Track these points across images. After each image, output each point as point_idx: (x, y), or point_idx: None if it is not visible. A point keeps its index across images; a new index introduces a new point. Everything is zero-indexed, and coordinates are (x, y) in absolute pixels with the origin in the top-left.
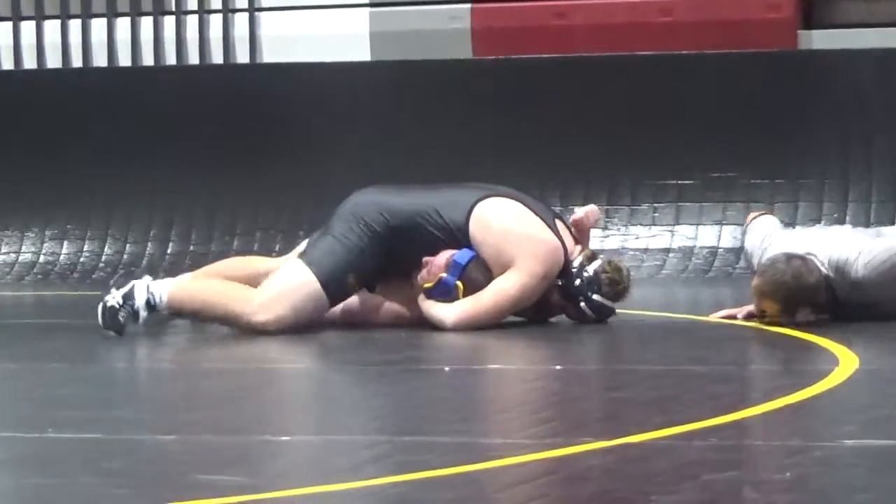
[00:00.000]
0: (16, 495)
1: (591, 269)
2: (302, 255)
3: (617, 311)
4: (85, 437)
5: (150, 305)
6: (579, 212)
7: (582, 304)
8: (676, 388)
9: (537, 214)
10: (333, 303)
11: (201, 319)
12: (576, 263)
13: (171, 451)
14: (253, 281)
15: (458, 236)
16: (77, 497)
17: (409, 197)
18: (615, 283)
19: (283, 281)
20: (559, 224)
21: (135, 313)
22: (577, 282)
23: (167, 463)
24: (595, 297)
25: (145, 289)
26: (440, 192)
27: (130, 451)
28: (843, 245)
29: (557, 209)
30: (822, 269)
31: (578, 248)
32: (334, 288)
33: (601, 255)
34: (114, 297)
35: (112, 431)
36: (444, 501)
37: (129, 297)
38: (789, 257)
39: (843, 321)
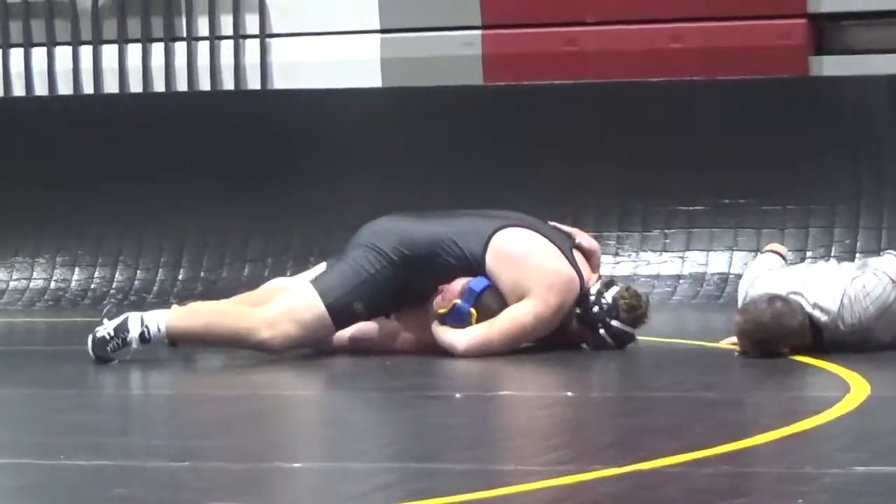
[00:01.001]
0: None
1: (608, 296)
2: (313, 280)
3: (637, 337)
4: (97, 463)
5: (145, 339)
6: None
7: (601, 330)
8: (688, 415)
9: (554, 243)
10: (339, 327)
11: (204, 343)
12: (593, 290)
13: (183, 478)
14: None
15: (475, 266)
16: None
17: (426, 225)
18: (634, 309)
19: (290, 301)
20: (577, 253)
21: (126, 345)
22: (596, 309)
23: (179, 490)
24: (614, 323)
25: (139, 322)
26: (457, 221)
27: (142, 478)
28: (829, 285)
29: None
30: (809, 310)
31: (595, 275)
32: (340, 313)
33: (619, 282)
34: (105, 329)
35: (124, 458)
36: None
37: (121, 329)
38: (772, 298)
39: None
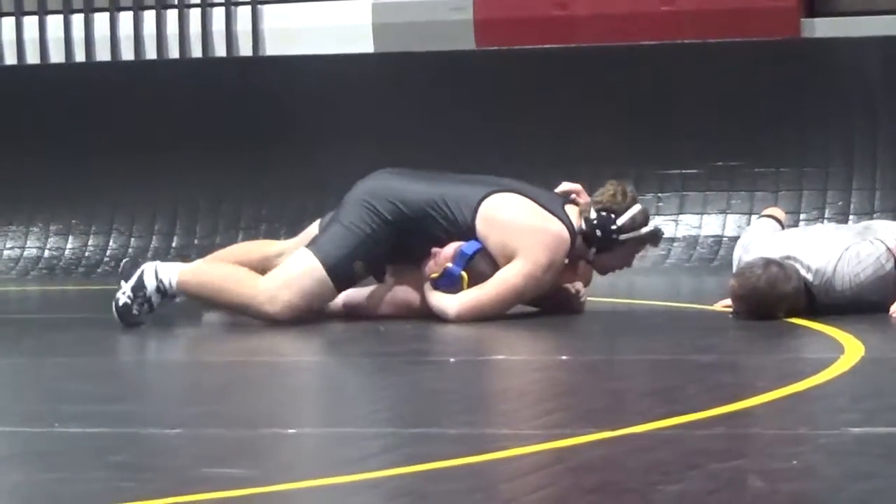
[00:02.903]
0: (22, 490)
1: (592, 213)
2: (310, 244)
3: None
4: (90, 431)
5: (161, 291)
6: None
7: (621, 237)
8: (681, 378)
9: (543, 205)
10: (340, 289)
11: (212, 307)
12: (584, 225)
13: (177, 445)
14: (264, 264)
15: (466, 231)
16: (83, 491)
17: (419, 185)
18: (614, 195)
19: (290, 270)
20: (570, 208)
21: (148, 301)
22: (598, 232)
23: (173, 456)
24: (619, 220)
25: (153, 275)
26: (449, 185)
27: (136, 445)
28: (824, 250)
29: None
30: (803, 273)
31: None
32: (341, 275)
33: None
34: (124, 293)
35: (118, 425)
36: (450, 493)
37: (139, 287)
38: (767, 263)
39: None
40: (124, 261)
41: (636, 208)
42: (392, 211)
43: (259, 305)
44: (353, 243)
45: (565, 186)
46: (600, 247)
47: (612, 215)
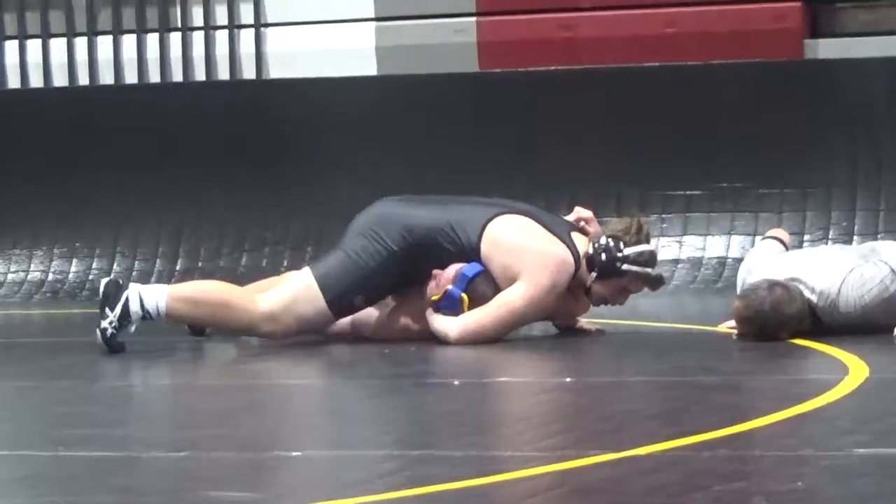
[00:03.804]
0: None
1: (603, 240)
2: (313, 266)
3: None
4: (95, 454)
5: (148, 319)
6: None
7: (624, 266)
8: (686, 399)
9: (547, 228)
10: (338, 318)
11: (203, 325)
12: (591, 250)
13: (182, 468)
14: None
15: (470, 254)
16: None
17: (424, 211)
18: (628, 228)
19: (290, 292)
20: (576, 235)
21: (130, 325)
22: (603, 256)
23: (178, 480)
24: (627, 251)
25: (138, 302)
26: (454, 208)
27: (141, 469)
28: (829, 272)
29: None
30: (808, 295)
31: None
32: (340, 306)
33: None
34: (111, 323)
35: (122, 449)
36: None
37: (124, 316)
38: (772, 284)
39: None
40: (106, 280)
41: (647, 246)
42: (398, 241)
43: (257, 327)
44: (357, 277)
45: (578, 213)
46: (600, 272)
47: (621, 244)
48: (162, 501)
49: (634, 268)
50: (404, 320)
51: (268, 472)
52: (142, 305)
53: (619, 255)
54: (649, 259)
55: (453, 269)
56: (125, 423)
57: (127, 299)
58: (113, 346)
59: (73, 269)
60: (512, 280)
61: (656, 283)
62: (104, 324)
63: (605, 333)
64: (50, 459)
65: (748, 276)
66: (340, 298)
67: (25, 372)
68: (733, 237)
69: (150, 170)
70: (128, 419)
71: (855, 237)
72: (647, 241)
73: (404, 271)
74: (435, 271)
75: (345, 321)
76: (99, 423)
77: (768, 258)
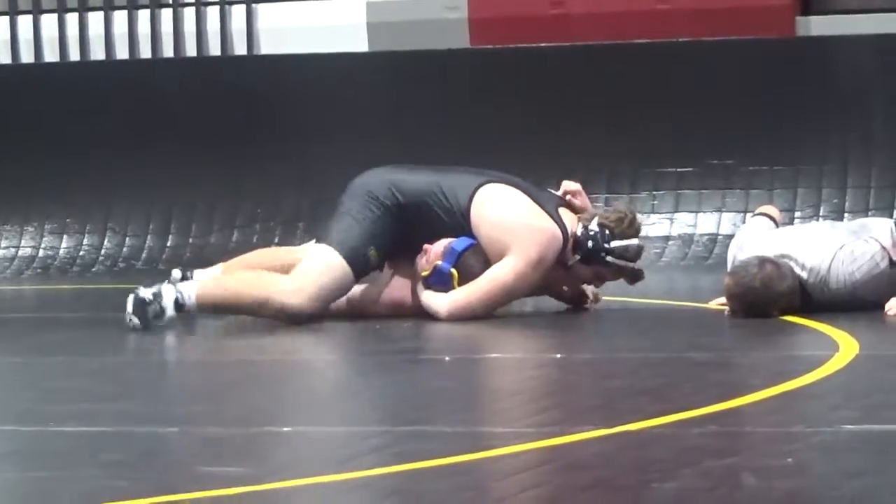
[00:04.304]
0: (18, 489)
1: (594, 224)
2: (321, 239)
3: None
4: (86, 430)
5: (179, 304)
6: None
7: (608, 258)
8: (676, 376)
9: (536, 202)
10: (358, 277)
11: (232, 313)
12: (579, 231)
13: (172, 444)
14: (280, 272)
15: (461, 219)
16: (79, 490)
17: (418, 176)
18: (621, 220)
19: (311, 264)
20: (564, 211)
21: (162, 311)
22: (590, 243)
23: (168, 455)
24: (615, 243)
25: (173, 289)
26: (448, 175)
27: (131, 444)
28: (819, 249)
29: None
30: (798, 272)
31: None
32: (358, 264)
33: (598, 211)
34: (146, 292)
35: (113, 424)
36: (443, 491)
37: (158, 295)
38: (763, 261)
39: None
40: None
41: (634, 241)
42: (390, 198)
43: (283, 300)
44: (364, 231)
45: (566, 186)
46: (584, 258)
47: (608, 233)
48: (153, 476)
49: (619, 262)
50: (396, 295)
51: (259, 448)
52: (176, 289)
53: (607, 246)
54: (635, 255)
55: (442, 244)
56: (116, 399)
57: (161, 287)
58: (138, 310)
59: (63, 245)
60: (500, 252)
61: (635, 277)
62: (138, 290)
63: (600, 300)
64: (39, 434)
65: (739, 252)
66: (355, 254)
67: (16, 347)
68: (724, 214)
69: (141, 146)
70: (119, 394)
71: (846, 214)
72: (637, 235)
73: (402, 231)
74: (425, 246)
75: (340, 301)
76: (89, 398)
77: (759, 235)
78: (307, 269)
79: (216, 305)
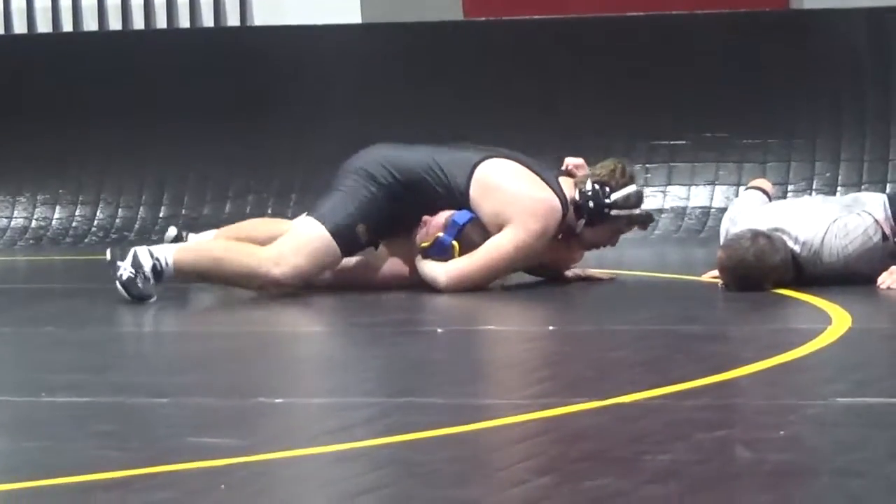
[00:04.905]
0: (8, 459)
1: (588, 184)
2: (311, 211)
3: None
4: (77, 400)
5: (157, 272)
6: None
7: (612, 212)
8: (669, 348)
9: (536, 173)
10: (345, 253)
11: (211, 281)
12: (577, 196)
13: (163, 414)
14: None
15: (459, 197)
16: (69, 460)
17: (414, 153)
18: (612, 171)
19: (295, 235)
20: (564, 179)
21: (146, 279)
22: (591, 203)
23: (159, 425)
24: (615, 195)
25: (148, 255)
26: (444, 151)
27: (122, 414)
28: (812, 222)
29: None
30: (791, 245)
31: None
32: (345, 239)
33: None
34: (126, 270)
35: (104, 394)
36: (437, 462)
37: (136, 265)
38: (755, 235)
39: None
40: (109, 250)
41: (632, 188)
42: (386, 176)
43: (265, 270)
44: (354, 207)
45: (570, 161)
46: (589, 219)
47: (607, 189)
48: (144, 447)
49: (622, 212)
50: (391, 267)
51: (250, 419)
52: (151, 255)
53: (607, 200)
54: (636, 200)
55: (443, 215)
56: (108, 369)
57: (135, 252)
58: (132, 289)
59: (56, 215)
60: (501, 226)
61: (646, 221)
62: (119, 272)
63: (615, 280)
64: (31, 405)
65: (732, 226)
66: (342, 229)
67: (7, 318)
68: (717, 187)
69: (134, 117)
70: (111, 365)
71: (839, 188)
72: (633, 181)
73: (397, 209)
74: (425, 218)
75: (326, 274)
76: (82, 369)
77: (752, 208)
78: (289, 239)
79: (194, 273)
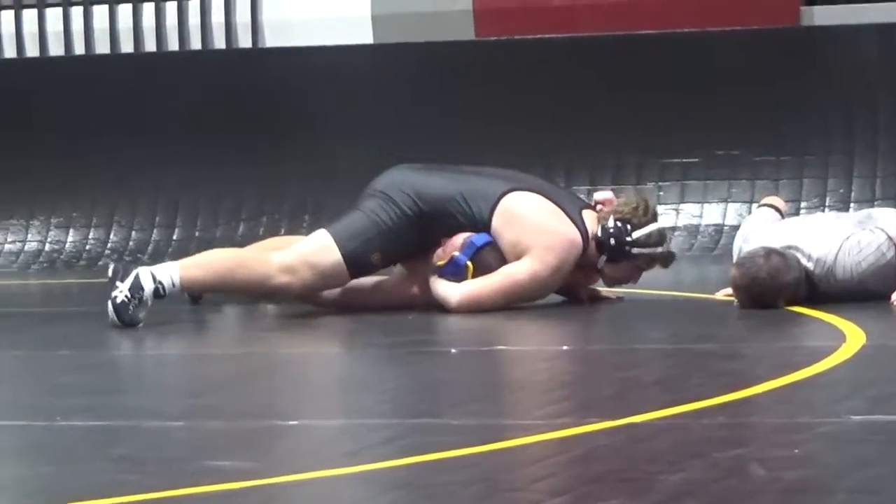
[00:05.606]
0: (25, 483)
1: (611, 221)
2: (328, 226)
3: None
4: (93, 424)
5: (159, 294)
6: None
7: (634, 249)
8: (684, 367)
9: (560, 206)
10: (354, 276)
11: (219, 291)
12: (600, 233)
13: (179, 437)
14: None
15: (482, 227)
16: (86, 484)
17: (438, 180)
18: (635, 209)
19: (307, 247)
20: (587, 213)
21: (143, 303)
22: (612, 241)
23: (175, 449)
24: (635, 233)
25: (150, 278)
26: (468, 179)
27: (138, 438)
28: (825, 239)
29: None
30: (805, 262)
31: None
32: (358, 266)
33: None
34: (122, 292)
35: (120, 418)
36: (452, 483)
37: (136, 288)
38: (769, 252)
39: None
40: (112, 265)
41: (654, 226)
42: (410, 205)
43: (272, 279)
44: (373, 234)
45: (600, 195)
46: (610, 256)
47: (629, 226)
48: (159, 471)
49: (644, 250)
50: (403, 287)
51: (265, 441)
52: (153, 278)
53: (629, 238)
54: (658, 239)
55: (462, 236)
56: (123, 393)
57: (137, 274)
58: (123, 315)
59: (70, 238)
60: (519, 254)
61: (668, 260)
62: (114, 293)
63: (623, 300)
64: (47, 429)
65: (744, 244)
66: (356, 253)
67: (22, 341)
68: (730, 205)
69: (147, 139)
70: (125, 388)
71: (851, 204)
72: (655, 220)
73: (418, 237)
74: (443, 239)
75: (334, 291)
76: (97, 392)
77: (765, 226)
78: (304, 251)
79: (201, 284)
